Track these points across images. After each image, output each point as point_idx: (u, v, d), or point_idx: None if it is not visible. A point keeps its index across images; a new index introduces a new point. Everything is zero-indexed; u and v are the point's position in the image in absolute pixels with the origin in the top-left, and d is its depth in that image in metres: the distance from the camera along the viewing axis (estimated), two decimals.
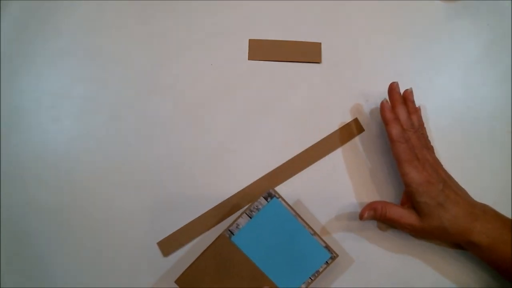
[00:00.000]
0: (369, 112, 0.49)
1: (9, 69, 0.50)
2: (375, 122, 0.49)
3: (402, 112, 0.44)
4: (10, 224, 0.47)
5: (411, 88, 0.46)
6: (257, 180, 0.47)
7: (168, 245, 0.46)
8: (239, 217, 0.42)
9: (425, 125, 0.48)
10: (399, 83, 0.48)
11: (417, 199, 0.40)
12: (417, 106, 0.46)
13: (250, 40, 0.51)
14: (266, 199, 0.43)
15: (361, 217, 0.43)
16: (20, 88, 0.49)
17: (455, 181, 0.43)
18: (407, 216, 0.41)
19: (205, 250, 0.42)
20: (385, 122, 0.43)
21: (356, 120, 0.49)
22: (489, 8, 0.51)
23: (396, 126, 0.42)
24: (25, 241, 0.47)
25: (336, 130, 0.48)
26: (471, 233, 0.39)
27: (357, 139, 0.48)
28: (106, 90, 0.49)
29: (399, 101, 0.44)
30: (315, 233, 0.43)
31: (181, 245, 0.46)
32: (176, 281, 0.42)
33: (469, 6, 0.51)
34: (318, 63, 0.50)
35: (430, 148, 0.45)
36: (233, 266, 0.42)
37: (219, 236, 0.42)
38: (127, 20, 0.51)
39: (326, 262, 0.42)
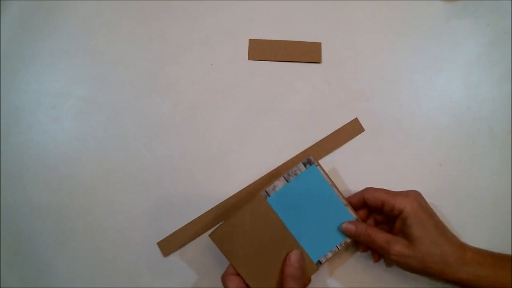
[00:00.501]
0: (369, 112, 0.49)
1: (9, 69, 0.50)
2: (375, 122, 0.49)
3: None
4: (10, 224, 0.47)
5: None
6: (256, 180, 0.47)
7: (168, 245, 0.46)
8: (276, 179, 0.43)
9: (425, 125, 0.48)
10: (398, 82, 0.48)
11: (410, 222, 0.39)
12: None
13: (250, 40, 0.51)
14: (305, 165, 0.43)
15: (341, 228, 0.42)
16: (20, 88, 0.49)
17: None
18: (395, 242, 0.39)
19: (241, 209, 0.42)
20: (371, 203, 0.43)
21: (356, 120, 0.49)
22: (489, 8, 0.51)
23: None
24: (25, 241, 0.47)
25: (336, 130, 0.48)
26: (466, 262, 0.37)
27: (357, 139, 0.48)
28: (106, 90, 0.49)
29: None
30: (348, 204, 0.43)
31: (181, 245, 0.46)
32: (210, 235, 0.42)
33: (469, 6, 0.51)
34: (318, 63, 0.50)
35: None
36: (265, 226, 0.42)
37: (256, 196, 0.42)
38: (127, 20, 0.51)
39: None
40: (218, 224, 0.45)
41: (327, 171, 0.43)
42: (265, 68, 0.50)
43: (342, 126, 0.48)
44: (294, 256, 0.41)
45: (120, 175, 0.48)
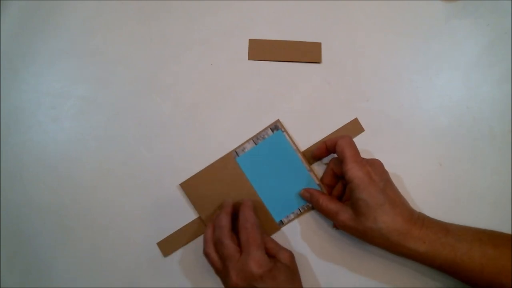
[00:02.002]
0: (369, 112, 0.49)
1: (9, 69, 0.50)
2: (375, 122, 0.49)
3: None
4: (10, 224, 0.47)
5: None
6: None
7: (168, 245, 0.46)
8: (246, 142, 0.46)
9: (425, 125, 0.48)
10: (398, 82, 0.48)
11: (356, 195, 0.39)
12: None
13: (250, 40, 0.51)
14: (272, 130, 0.47)
15: (300, 194, 0.45)
16: (20, 88, 0.49)
17: (395, 186, 0.42)
18: (342, 213, 0.41)
19: (211, 164, 0.46)
20: (319, 147, 0.45)
21: (356, 120, 0.49)
22: (489, 8, 0.51)
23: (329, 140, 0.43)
24: (25, 241, 0.47)
25: (336, 131, 0.48)
26: (408, 238, 0.38)
27: (357, 139, 0.48)
28: (106, 90, 0.49)
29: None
30: (311, 170, 0.46)
31: (181, 245, 0.46)
32: (181, 185, 0.46)
33: (469, 6, 0.51)
34: (318, 63, 0.50)
35: None
36: (232, 182, 0.46)
37: (226, 155, 0.46)
38: (127, 20, 0.51)
39: None
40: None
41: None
42: (265, 68, 0.50)
43: (342, 126, 0.48)
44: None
45: (120, 175, 0.48)
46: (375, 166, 0.41)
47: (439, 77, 0.50)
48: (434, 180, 0.47)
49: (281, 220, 0.46)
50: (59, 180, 0.48)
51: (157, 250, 0.46)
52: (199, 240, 0.46)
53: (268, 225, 0.46)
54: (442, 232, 0.38)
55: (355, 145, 0.42)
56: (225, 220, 0.41)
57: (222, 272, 0.40)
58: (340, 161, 0.41)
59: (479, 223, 0.44)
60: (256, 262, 0.38)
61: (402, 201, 0.40)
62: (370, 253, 0.45)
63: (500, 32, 0.50)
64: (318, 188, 0.46)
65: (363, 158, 0.41)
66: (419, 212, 0.41)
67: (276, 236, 0.46)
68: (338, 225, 0.42)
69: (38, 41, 0.50)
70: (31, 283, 0.46)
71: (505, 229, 0.45)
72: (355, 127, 0.49)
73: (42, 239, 0.46)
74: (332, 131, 0.48)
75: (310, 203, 0.45)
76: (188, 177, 0.47)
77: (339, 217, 0.41)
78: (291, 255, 0.41)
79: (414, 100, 0.49)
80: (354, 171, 0.39)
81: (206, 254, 0.41)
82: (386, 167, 0.46)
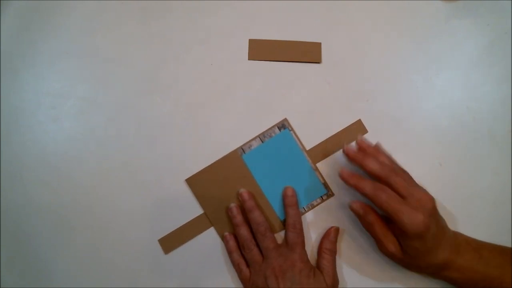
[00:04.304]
0: (369, 112, 0.49)
1: (9, 69, 0.50)
2: (375, 122, 0.49)
3: (371, 162, 0.40)
4: (10, 224, 0.47)
5: (360, 136, 0.45)
6: None
7: (169, 243, 0.46)
8: (253, 139, 0.47)
9: (425, 125, 0.48)
10: (398, 82, 0.48)
11: (407, 242, 0.39)
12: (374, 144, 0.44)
13: (250, 40, 0.51)
14: (279, 128, 0.47)
15: (350, 204, 0.41)
16: (20, 88, 0.49)
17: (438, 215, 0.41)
18: (391, 245, 0.40)
19: (217, 160, 0.47)
20: (353, 187, 0.40)
21: (359, 122, 0.49)
22: (489, 8, 0.51)
23: (366, 183, 0.39)
24: (25, 241, 0.47)
25: (339, 131, 0.48)
26: (444, 270, 0.40)
27: None
28: (106, 90, 0.49)
29: (361, 157, 0.41)
30: (316, 169, 0.47)
31: (181, 242, 0.46)
32: (187, 180, 0.47)
33: (469, 6, 0.51)
34: (318, 63, 0.50)
35: (413, 183, 0.41)
36: (238, 179, 0.46)
37: (232, 151, 0.47)
38: (127, 20, 0.51)
39: (321, 197, 0.46)
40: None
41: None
42: (265, 68, 0.50)
43: (345, 128, 0.48)
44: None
45: (120, 175, 0.48)
46: (423, 204, 0.38)
47: (439, 77, 0.50)
48: (434, 180, 0.47)
49: (285, 218, 0.45)
50: (59, 180, 0.48)
51: (158, 247, 0.46)
52: (200, 237, 0.46)
53: (272, 223, 0.46)
54: (474, 260, 0.39)
55: (392, 193, 0.39)
56: (262, 217, 0.43)
57: (257, 262, 0.42)
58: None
59: (479, 223, 0.44)
60: (300, 257, 0.41)
61: (444, 234, 0.40)
62: (372, 249, 0.46)
63: (500, 32, 0.50)
64: (325, 190, 0.46)
65: (407, 199, 0.38)
66: (454, 234, 0.41)
67: (280, 234, 0.46)
68: (383, 252, 0.41)
69: (38, 41, 0.50)
70: (31, 283, 0.46)
71: (505, 229, 0.45)
72: (358, 128, 0.48)
73: (42, 239, 0.46)
74: (332, 132, 0.48)
75: (360, 218, 0.42)
76: (188, 176, 0.47)
77: (388, 246, 0.40)
78: (335, 281, 0.42)
79: (414, 100, 0.49)
80: (405, 223, 0.37)
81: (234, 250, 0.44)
82: None
